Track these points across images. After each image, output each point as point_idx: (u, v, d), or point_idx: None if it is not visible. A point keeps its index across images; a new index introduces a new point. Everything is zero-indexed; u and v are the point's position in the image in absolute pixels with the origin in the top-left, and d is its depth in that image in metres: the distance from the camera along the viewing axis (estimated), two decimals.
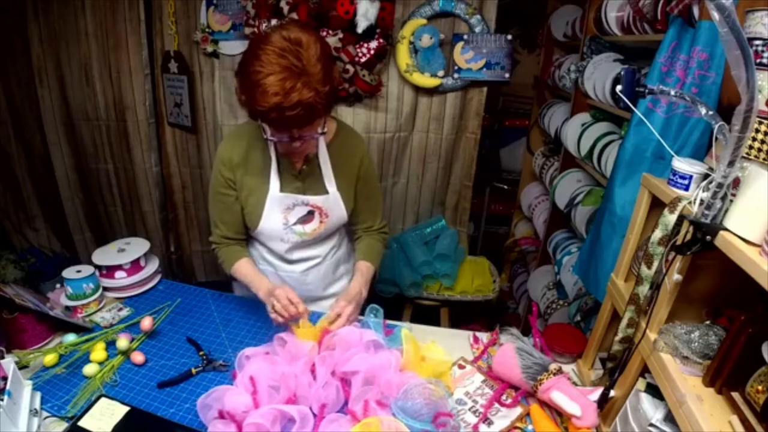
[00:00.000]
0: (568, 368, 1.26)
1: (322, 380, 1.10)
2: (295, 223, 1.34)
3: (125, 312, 1.43)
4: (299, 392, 1.09)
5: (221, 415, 1.01)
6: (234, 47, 2.14)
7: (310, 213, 1.33)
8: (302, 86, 1.02)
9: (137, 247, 1.55)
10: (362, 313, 1.31)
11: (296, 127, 1.12)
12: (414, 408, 1.02)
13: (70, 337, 1.24)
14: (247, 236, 1.45)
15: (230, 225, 1.37)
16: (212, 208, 1.38)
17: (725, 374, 0.77)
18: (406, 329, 1.25)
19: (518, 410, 1.12)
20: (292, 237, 1.36)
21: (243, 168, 1.28)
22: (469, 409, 1.12)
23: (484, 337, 1.38)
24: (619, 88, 0.92)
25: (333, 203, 1.34)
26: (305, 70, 1.03)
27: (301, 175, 1.31)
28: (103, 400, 1.08)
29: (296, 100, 1.02)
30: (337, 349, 1.16)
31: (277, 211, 1.31)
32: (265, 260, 1.46)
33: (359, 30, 1.90)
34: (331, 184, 1.33)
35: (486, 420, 1.09)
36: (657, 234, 0.90)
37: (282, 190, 1.29)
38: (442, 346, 1.25)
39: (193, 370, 1.20)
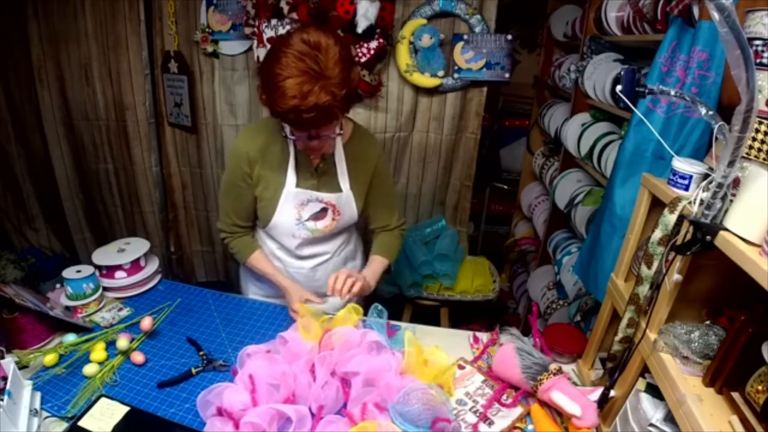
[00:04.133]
0: (568, 368, 1.26)
1: (321, 381, 1.10)
2: (307, 219, 1.37)
3: (125, 312, 1.43)
4: (298, 392, 1.08)
5: (219, 413, 1.01)
6: (234, 47, 2.14)
7: (323, 210, 1.36)
8: (319, 90, 1.04)
9: (137, 247, 1.55)
10: (366, 312, 1.31)
11: (313, 128, 1.16)
12: (412, 413, 1.01)
13: (70, 337, 1.24)
14: (253, 225, 1.48)
15: (241, 214, 1.41)
16: (224, 197, 1.41)
17: (725, 374, 0.77)
18: (410, 331, 1.24)
19: (518, 410, 1.12)
20: (303, 233, 1.39)
21: (260, 162, 1.31)
22: (470, 410, 1.12)
23: (484, 337, 1.38)
24: (619, 88, 0.92)
25: (345, 201, 1.37)
26: (323, 74, 1.05)
27: (317, 173, 1.34)
28: (103, 400, 1.08)
29: (313, 103, 1.04)
30: (337, 349, 1.16)
31: (291, 206, 1.34)
32: (275, 256, 1.48)
33: (359, 30, 1.90)
34: (345, 182, 1.36)
35: (486, 420, 1.09)
36: (657, 234, 0.90)
37: (298, 185, 1.33)
38: (442, 346, 1.24)
39: (193, 370, 1.20)
